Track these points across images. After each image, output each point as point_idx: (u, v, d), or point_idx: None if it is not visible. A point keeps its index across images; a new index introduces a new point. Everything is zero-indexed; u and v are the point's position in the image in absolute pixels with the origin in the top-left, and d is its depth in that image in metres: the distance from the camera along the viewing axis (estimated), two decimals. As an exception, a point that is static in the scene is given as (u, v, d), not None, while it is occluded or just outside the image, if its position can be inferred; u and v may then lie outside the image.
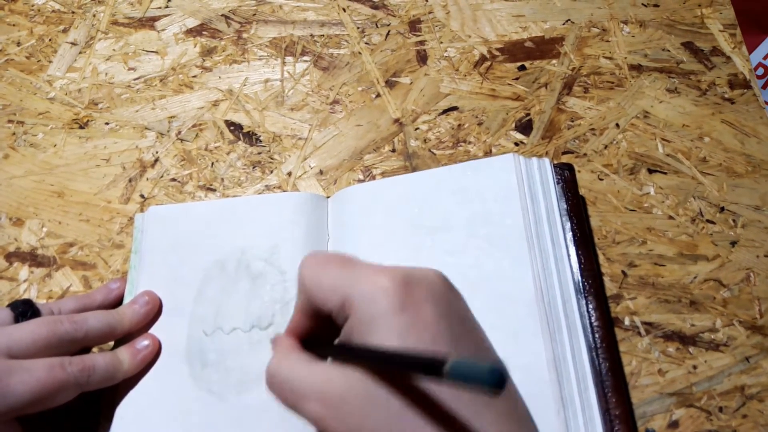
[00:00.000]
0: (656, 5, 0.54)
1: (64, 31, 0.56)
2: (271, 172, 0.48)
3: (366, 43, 0.54)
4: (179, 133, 0.50)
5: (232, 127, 0.51)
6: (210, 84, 0.53)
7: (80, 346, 0.37)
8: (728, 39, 0.51)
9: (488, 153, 0.48)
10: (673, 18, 0.53)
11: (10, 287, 0.45)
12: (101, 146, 0.50)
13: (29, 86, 0.53)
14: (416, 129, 0.49)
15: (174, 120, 0.51)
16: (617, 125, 0.48)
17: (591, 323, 0.37)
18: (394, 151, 0.49)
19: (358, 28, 0.55)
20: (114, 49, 0.55)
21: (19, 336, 0.35)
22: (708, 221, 0.44)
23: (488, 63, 0.52)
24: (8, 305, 0.38)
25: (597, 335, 0.37)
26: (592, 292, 0.38)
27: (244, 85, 0.52)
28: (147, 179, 0.48)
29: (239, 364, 0.38)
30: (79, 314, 0.38)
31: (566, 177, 0.41)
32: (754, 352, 0.40)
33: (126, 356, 0.38)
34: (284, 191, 0.47)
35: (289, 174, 0.48)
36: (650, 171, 0.46)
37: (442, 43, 0.53)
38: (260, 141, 0.50)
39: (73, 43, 0.55)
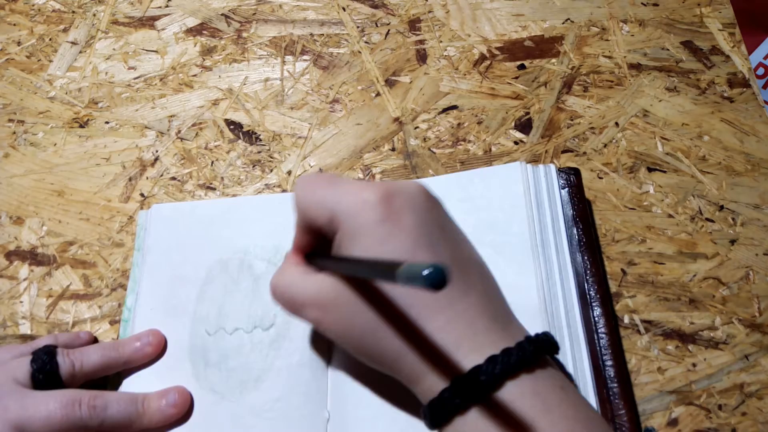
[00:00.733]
0: (655, 4, 0.54)
1: (65, 30, 0.56)
2: (271, 170, 0.48)
3: (366, 42, 0.54)
4: (179, 132, 0.50)
5: (232, 126, 0.51)
6: (210, 83, 0.53)
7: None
8: (727, 38, 0.51)
9: (488, 152, 0.48)
10: (672, 17, 0.53)
11: (10, 285, 0.45)
12: (101, 145, 0.50)
13: (29, 85, 0.53)
14: (416, 128, 0.49)
15: (174, 119, 0.51)
16: (617, 124, 0.48)
17: (597, 330, 0.37)
18: (393, 149, 0.49)
19: (357, 27, 0.55)
20: (114, 49, 0.55)
21: (33, 412, 0.34)
22: (707, 219, 0.44)
23: (488, 62, 0.52)
24: (31, 353, 0.37)
25: (603, 342, 0.37)
26: (598, 299, 0.38)
27: (244, 84, 0.53)
28: (147, 178, 0.49)
29: (241, 364, 0.38)
30: (101, 396, 0.36)
31: (572, 182, 0.41)
32: (754, 350, 0.40)
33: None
34: (284, 190, 0.47)
35: (289, 173, 0.48)
36: (650, 169, 0.46)
37: (441, 42, 0.53)
38: (260, 140, 0.50)
39: (74, 43, 0.55)
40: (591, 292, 0.38)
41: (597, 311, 0.38)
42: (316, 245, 0.34)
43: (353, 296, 0.29)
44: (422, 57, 0.53)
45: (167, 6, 0.57)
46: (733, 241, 0.43)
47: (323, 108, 0.51)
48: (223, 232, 0.42)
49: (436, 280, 0.20)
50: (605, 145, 0.47)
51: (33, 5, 0.58)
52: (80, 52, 0.55)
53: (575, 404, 0.28)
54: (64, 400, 0.34)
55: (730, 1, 0.54)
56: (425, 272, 0.20)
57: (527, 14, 0.54)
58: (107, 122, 0.51)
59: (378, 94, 0.51)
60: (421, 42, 0.53)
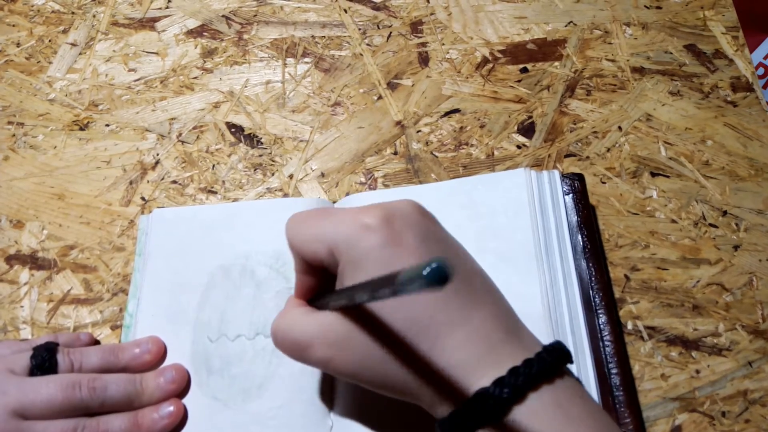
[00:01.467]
0: (659, 7, 0.53)
1: (64, 31, 0.56)
2: (273, 174, 0.48)
3: (367, 45, 0.54)
4: (180, 135, 0.50)
5: (233, 129, 0.50)
6: (211, 85, 0.52)
7: (95, 412, 0.36)
8: (731, 41, 0.51)
9: (490, 156, 0.48)
10: (675, 20, 0.53)
11: (11, 290, 0.45)
12: (101, 148, 0.50)
13: (29, 87, 0.53)
14: (418, 131, 0.49)
15: (175, 122, 0.51)
16: (620, 128, 0.48)
17: (602, 337, 0.37)
18: (396, 153, 0.48)
19: (359, 29, 0.54)
20: (114, 50, 0.55)
21: (33, 396, 0.34)
22: (711, 225, 0.44)
23: (490, 65, 0.52)
24: (32, 349, 0.37)
25: (608, 350, 0.37)
26: (603, 306, 0.38)
27: (245, 86, 0.52)
28: (148, 181, 0.48)
29: (244, 371, 0.37)
30: (100, 378, 0.36)
31: (577, 188, 0.41)
32: (757, 356, 0.40)
33: (147, 421, 0.36)
34: (286, 194, 0.47)
35: (291, 176, 0.48)
36: (653, 174, 0.46)
37: (443, 44, 0.53)
38: (261, 143, 0.50)
39: (73, 44, 0.55)
40: (596, 300, 0.38)
41: (602, 319, 0.38)
42: (319, 288, 0.32)
43: (366, 328, 0.28)
44: (424, 60, 0.52)
45: (167, 7, 0.57)
46: (736, 247, 0.43)
47: (325, 111, 0.51)
48: (224, 237, 0.42)
49: (439, 276, 0.19)
50: (608, 150, 0.47)
51: (32, 6, 0.57)
52: (80, 53, 0.55)
53: (594, 413, 0.28)
54: (63, 383, 0.35)
55: (733, 3, 0.53)
56: (426, 271, 0.19)
57: (530, 17, 0.54)
58: (107, 125, 0.51)
59: (380, 97, 0.51)
60: (423, 45, 0.53)
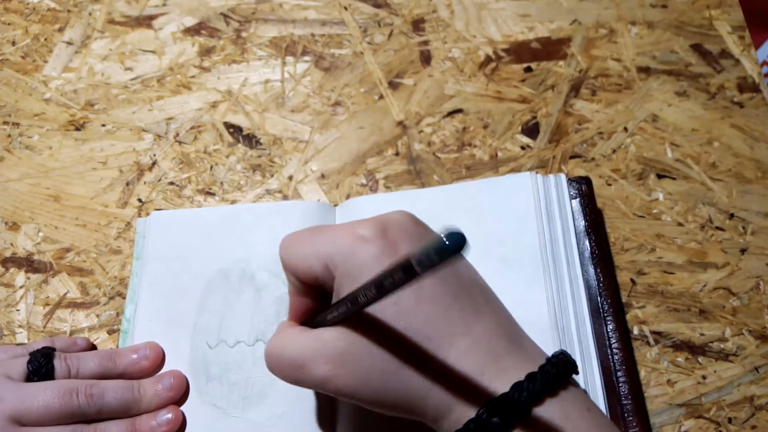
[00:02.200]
0: (664, 6, 0.53)
1: (60, 30, 0.55)
2: (272, 175, 0.47)
3: (368, 43, 0.53)
4: (177, 135, 0.49)
5: (231, 129, 0.50)
6: (209, 84, 0.52)
7: (92, 419, 0.35)
8: (737, 41, 0.50)
9: (494, 157, 0.47)
10: (681, 19, 0.52)
11: (6, 293, 0.44)
12: (98, 149, 0.49)
13: (25, 87, 0.52)
14: (420, 132, 0.48)
15: (172, 122, 0.50)
16: (625, 129, 0.47)
17: (610, 344, 0.36)
18: (397, 154, 0.48)
19: (360, 27, 0.54)
20: (110, 49, 0.54)
21: (30, 403, 0.34)
22: (717, 228, 0.43)
23: (494, 64, 0.51)
24: (29, 354, 0.37)
25: (617, 357, 0.36)
26: (611, 312, 0.37)
27: (244, 85, 0.51)
28: (145, 183, 0.47)
29: (243, 378, 0.37)
30: (97, 385, 0.36)
31: (584, 191, 0.40)
32: (764, 362, 0.39)
33: (145, 428, 0.35)
34: (285, 195, 0.46)
35: (290, 178, 0.47)
36: (659, 176, 0.45)
37: (446, 43, 0.52)
38: (260, 144, 0.49)
39: (69, 43, 0.54)
40: (604, 306, 0.38)
41: (610, 326, 0.37)
42: (315, 309, 0.31)
43: (367, 341, 0.27)
44: (426, 58, 0.52)
45: (164, 5, 0.56)
46: (743, 251, 0.43)
47: (325, 111, 0.50)
48: (224, 240, 0.41)
49: (457, 241, 0.19)
50: (614, 151, 0.47)
51: (28, 4, 0.56)
52: (76, 52, 0.54)
53: (601, 425, 0.27)
54: (61, 389, 0.35)
55: (739, 2, 0.53)
56: (444, 239, 0.19)
57: (534, 14, 0.53)
58: (104, 125, 0.50)
59: (381, 97, 0.50)
60: (425, 43, 0.52)
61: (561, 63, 0.50)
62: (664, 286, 0.42)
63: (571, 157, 0.46)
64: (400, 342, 0.27)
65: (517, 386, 0.26)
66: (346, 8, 0.55)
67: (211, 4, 0.55)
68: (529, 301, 0.36)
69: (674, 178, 0.45)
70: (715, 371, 0.39)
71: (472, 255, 0.38)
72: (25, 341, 0.42)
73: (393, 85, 0.51)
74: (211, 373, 0.37)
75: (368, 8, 0.54)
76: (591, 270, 0.38)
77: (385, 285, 0.23)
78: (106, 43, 0.54)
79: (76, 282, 0.44)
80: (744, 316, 0.41)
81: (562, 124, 0.48)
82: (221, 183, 0.47)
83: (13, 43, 0.54)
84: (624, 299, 0.41)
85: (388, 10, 0.54)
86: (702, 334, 0.40)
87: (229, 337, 0.38)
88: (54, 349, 0.38)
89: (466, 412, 0.26)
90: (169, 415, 0.36)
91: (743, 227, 0.43)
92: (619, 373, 0.36)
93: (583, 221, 0.40)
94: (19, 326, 0.43)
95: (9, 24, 0.55)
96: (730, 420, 0.38)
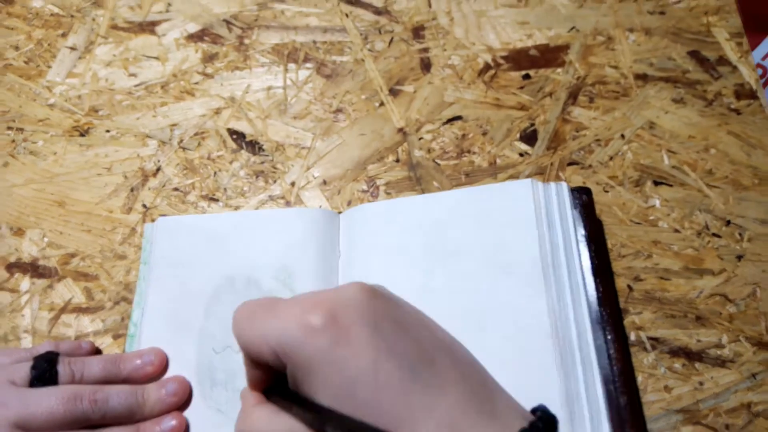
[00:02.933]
0: (662, 12, 0.53)
1: (63, 35, 0.55)
2: (275, 182, 0.48)
3: (369, 50, 0.53)
4: (181, 141, 0.50)
5: (234, 136, 0.50)
6: (212, 91, 0.52)
7: (96, 425, 0.35)
8: (734, 48, 0.51)
9: (493, 164, 0.47)
10: (679, 26, 0.52)
11: (12, 298, 0.45)
12: (102, 154, 0.50)
13: (28, 92, 0.53)
14: (420, 138, 0.49)
15: (176, 128, 0.51)
16: (622, 136, 0.48)
17: (609, 354, 0.37)
18: (398, 161, 0.48)
19: (361, 34, 0.54)
20: (114, 55, 0.54)
21: (34, 409, 0.34)
22: (714, 235, 0.44)
23: (492, 71, 0.51)
24: (33, 359, 0.37)
25: (615, 367, 0.37)
26: (610, 322, 0.38)
27: (247, 92, 0.52)
28: (149, 189, 0.48)
29: (247, 385, 0.37)
30: (101, 390, 0.36)
31: (584, 201, 0.41)
32: (761, 368, 0.40)
33: None
34: (288, 202, 0.47)
35: (293, 184, 0.48)
36: (656, 183, 0.46)
37: (445, 50, 0.53)
38: (263, 150, 0.49)
39: (73, 48, 0.55)
40: (603, 316, 0.38)
41: (610, 336, 0.38)
42: (272, 379, 0.30)
43: None
44: (426, 66, 0.52)
45: (167, 11, 0.56)
46: (739, 257, 0.43)
47: (327, 118, 0.50)
48: (230, 247, 0.42)
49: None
50: (611, 158, 0.47)
51: (31, 9, 0.57)
52: (80, 57, 0.54)
53: None
54: (65, 395, 0.35)
55: (737, 8, 0.53)
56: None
57: (532, 22, 0.54)
58: (108, 131, 0.51)
59: (382, 104, 0.51)
60: (425, 50, 0.53)
61: (559, 70, 0.51)
62: (661, 292, 0.42)
63: (569, 164, 0.47)
64: None
65: None
66: (347, 15, 0.55)
67: (214, 11, 0.56)
68: (530, 309, 0.36)
69: (671, 185, 0.46)
70: (712, 377, 0.40)
71: (472, 262, 0.39)
72: (31, 347, 0.43)
73: (393, 92, 0.51)
74: (217, 378, 0.38)
75: (369, 15, 0.55)
76: (591, 279, 0.39)
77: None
78: (109, 49, 0.54)
79: (81, 287, 0.45)
80: (741, 323, 0.41)
81: (559, 131, 0.48)
82: (225, 189, 0.48)
83: (17, 48, 0.55)
84: (621, 305, 0.42)
85: (388, 17, 0.55)
86: (699, 341, 0.41)
87: (234, 342, 0.38)
88: (57, 354, 0.38)
89: None
90: (173, 422, 0.36)
91: (740, 234, 0.44)
92: (618, 383, 0.36)
93: (584, 231, 0.40)
94: (25, 331, 0.43)
95: (12, 29, 0.56)
96: (727, 426, 0.39)
